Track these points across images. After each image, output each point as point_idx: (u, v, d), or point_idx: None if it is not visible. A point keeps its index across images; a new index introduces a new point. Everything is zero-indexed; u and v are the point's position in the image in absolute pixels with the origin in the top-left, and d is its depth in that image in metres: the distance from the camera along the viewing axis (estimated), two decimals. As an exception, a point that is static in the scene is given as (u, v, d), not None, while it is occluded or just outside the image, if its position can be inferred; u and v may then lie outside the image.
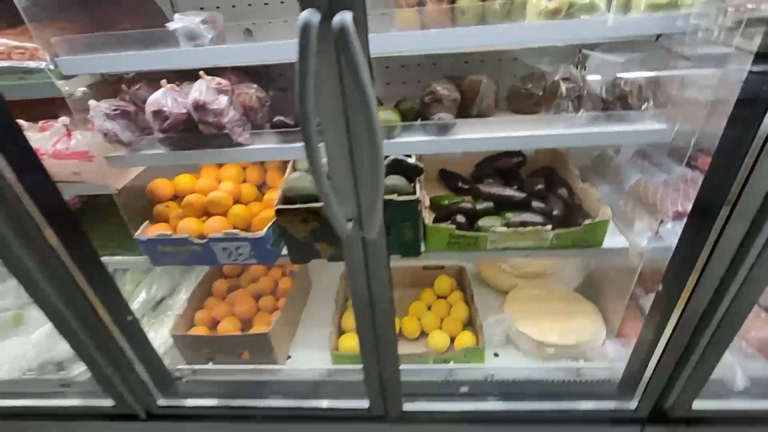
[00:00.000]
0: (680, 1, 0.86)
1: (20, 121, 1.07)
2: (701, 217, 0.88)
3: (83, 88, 1.15)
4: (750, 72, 0.74)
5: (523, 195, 1.27)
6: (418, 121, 1.14)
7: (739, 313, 0.96)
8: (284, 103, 1.25)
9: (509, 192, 1.28)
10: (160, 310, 1.76)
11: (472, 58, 1.41)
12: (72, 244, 1.01)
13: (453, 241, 1.22)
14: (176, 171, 1.48)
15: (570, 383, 1.29)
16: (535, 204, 1.25)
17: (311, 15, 0.59)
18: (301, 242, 1.23)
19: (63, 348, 1.50)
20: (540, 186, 1.33)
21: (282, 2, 1.32)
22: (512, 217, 1.20)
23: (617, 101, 1.04)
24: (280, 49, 0.95)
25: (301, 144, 0.65)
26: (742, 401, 1.18)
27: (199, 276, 1.78)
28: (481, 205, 1.28)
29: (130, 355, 1.22)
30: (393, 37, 0.94)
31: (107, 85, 1.23)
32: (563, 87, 1.06)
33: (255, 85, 1.19)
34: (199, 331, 1.51)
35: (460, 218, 1.22)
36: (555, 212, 1.25)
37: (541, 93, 1.17)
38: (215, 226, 1.30)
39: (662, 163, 1.34)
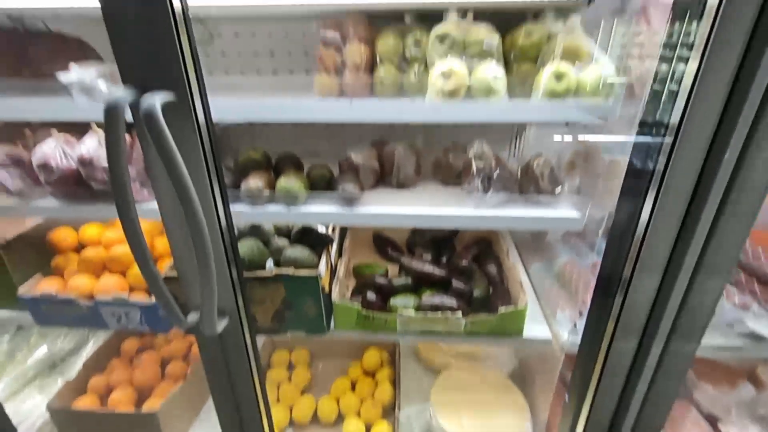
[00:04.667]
0: (579, 91, 0.83)
1: None
2: (599, 310, 0.79)
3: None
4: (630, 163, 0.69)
5: (443, 273, 1.17)
6: (325, 192, 1.07)
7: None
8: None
9: (429, 268, 1.18)
10: (59, 369, 1.60)
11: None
12: None
13: (362, 321, 1.10)
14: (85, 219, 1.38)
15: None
16: (456, 284, 1.15)
17: (120, 98, 0.53)
18: (193, 312, 1.10)
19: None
20: (465, 262, 1.24)
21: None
22: (426, 298, 1.10)
23: (531, 184, 0.99)
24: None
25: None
26: None
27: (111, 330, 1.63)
28: (398, 281, 1.19)
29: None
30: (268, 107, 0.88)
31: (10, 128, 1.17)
32: (474, 165, 1.00)
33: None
34: (87, 401, 1.33)
35: (371, 295, 1.12)
36: (476, 294, 1.15)
37: (461, 166, 1.12)
38: (107, 287, 1.18)
39: (594, 243, 1.27)
